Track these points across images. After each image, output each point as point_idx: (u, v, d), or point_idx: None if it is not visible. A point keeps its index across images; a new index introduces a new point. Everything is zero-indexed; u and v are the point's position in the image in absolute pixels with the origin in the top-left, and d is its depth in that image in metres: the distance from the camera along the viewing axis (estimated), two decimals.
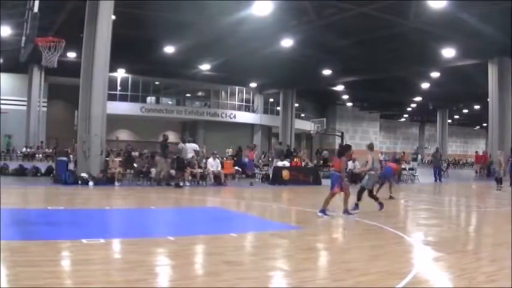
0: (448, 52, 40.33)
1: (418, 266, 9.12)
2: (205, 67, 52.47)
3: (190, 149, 28.38)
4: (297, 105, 67.97)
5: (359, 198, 17.68)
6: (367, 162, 18.12)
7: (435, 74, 50.97)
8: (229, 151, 44.33)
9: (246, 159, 36.71)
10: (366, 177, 17.97)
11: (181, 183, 26.46)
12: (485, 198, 26.57)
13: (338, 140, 57.50)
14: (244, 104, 69.86)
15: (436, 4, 29.69)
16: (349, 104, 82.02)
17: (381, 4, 31.03)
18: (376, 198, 17.88)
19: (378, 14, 32.37)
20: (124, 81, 60.11)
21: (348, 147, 17.49)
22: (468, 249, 11.51)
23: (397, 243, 11.63)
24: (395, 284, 7.67)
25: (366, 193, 17.30)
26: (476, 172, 50.14)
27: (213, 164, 28.74)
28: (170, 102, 66.95)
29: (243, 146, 44.73)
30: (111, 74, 38.73)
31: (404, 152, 52.60)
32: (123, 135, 63.14)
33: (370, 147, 19.47)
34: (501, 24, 32.58)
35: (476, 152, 62.74)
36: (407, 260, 9.78)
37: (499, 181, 29.74)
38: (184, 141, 28.33)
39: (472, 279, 8.18)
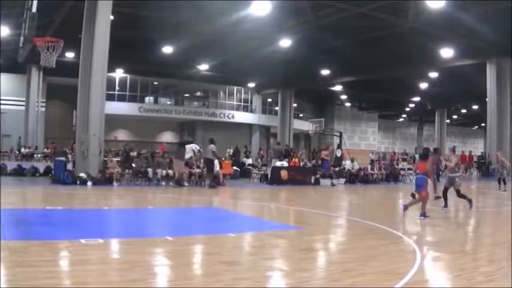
0: (447, 52, 40.39)
1: (417, 266, 9.10)
2: (203, 67, 52.55)
3: (189, 149, 28.46)
4: (295, 105, 67.97)
5: (444, 197, 19.01)
6: (455, 163, 19.46)
7: (433, 74, 51.04)
8: (230, 151, 44.48)
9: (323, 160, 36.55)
10: (456, 178, 19.08)
11: (213, 184, 27.00)
12: (484, 199, 26.58)
13: (336, 140, 57.37)
14: (242, 104, 69.92)
15: (434, 4, 29.72)
16: (348, 104, 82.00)
17: (379, 4, 31.06)
18: (464, 197, 18.86)
19: (376, 14, 32.43)
20: (122, 81, 60.14)
21: (428, 149, 18.17)
22: (467, 249, 11.51)
23: (395, 243, 11.63)
24: (394, 284, 7.67)
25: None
26: (462, 172, 50.34)
27: None
28: (168, 102, 67.01)
29: (240, 146, 44.85)
30: (110, 74, 38.70)
31: (394, 152, 52.71)
32: (122, 135, 63.09)
33: (453, 149, 20.66)
34: (499, 25, 32.62)
35: (463, 151, 63.10)
36: (406, 260, 9.75)
37: (503, 181, 29.51)
38: (212, 142, 28.46)
39: (470, 279, 8.19)
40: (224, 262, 9.00)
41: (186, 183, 26.97)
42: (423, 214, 15.80)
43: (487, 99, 44.30)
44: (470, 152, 55.06)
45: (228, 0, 31.27)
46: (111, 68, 33.68)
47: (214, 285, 7.54)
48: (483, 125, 74.60)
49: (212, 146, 28.36)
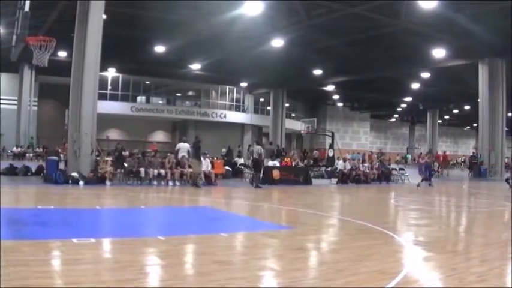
0: (439, 52, 40.48)
1: (409, 266, 9.14)
2: (195, 67, 52.61)
3: (183, 148, 28.46)
4: (287, 105, 68.09)
5: None
6: None
7: (426, 75, 51.18)
8: (224, 151, 44.69)
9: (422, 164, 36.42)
10: None
11: (259, 185, 27.77)
12: (476, 199, 26.67)
13: (328, 140, 57.60)
14: (234, 103, 69.96)
15: (426, 4, 29.79)
16: (340, 104, 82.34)
17: (372, 4, 31.12)
18: None
19: (368, 14, 32.50)
20: (114, 81, 60.12)
21: None
22: (459, 249, 11.55)
23: (387, 243, 11.65)
24: (386, 284, 7.68)
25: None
26: (437, 171, 50.57)
27: (204, 164, 28.75)
28: (160, 102, 67.05)
29: (233, 146, 44.90)
30: (102, 73, 38.68)
31: (372, 152, 52.87)
32: (114, 134, 63.08)
33: None
34: (492, 25, 32.73)
35: (437, 152, 63.50)
36: (398, 260, 9.79)
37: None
38: (258, 144, 29.21)
39: (462, 279, 8.20)
40: (216, 262, 9.00)
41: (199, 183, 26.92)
42: None
43: (478, 100, 44.45)
44: (444, 152, 55.37)
45: (221, 0, 31.33)
46: (103, 67, 33.73)
47: (207, 285, 7.54)
48: (475, 125, 74.87)
49: (259, 147, 28.82)
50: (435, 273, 8.96)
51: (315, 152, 52.35)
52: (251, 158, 38.54)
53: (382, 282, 7.85)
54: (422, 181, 32.23)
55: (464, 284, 7.97)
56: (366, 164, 35.48)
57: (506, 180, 30.58)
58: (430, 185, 32.12)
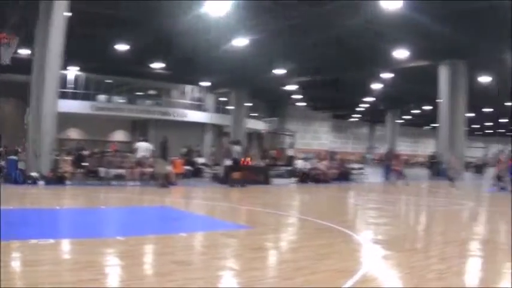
0: (401, 53, 40.68)
1: (367, 265, 9.20)
2: (157, 65, 52.30)
3: (141, 148, 28.41)
4: (249, 104, 68.03)
5: None
6: None
7: (387, 75, 51.38)
8: (184, 150, 44.67)
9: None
10: None
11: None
12: (435, 197, 26.92)
13: (288, 140, 57.66)
14: (195, 102, 69.69)
15: (390, 5, 29.92)
16: (302, 104, 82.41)
17: (335, 4, 31.23)
18: None
19: (331, 14, 32.57)
20: (75, 79, 59.54)
21: None
22: (417, 248, 11.63)
23: (346, 241, 11.72)
24: (344, 283, 7.73)
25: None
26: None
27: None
28: (121, 101, 66.49)
29: (193, 146, 44.90)
30: (63, 72, 38.28)
31: (326, 151, 53.12)
32: (74, 133, 62.59)
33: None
34: (454, 27, 33.01)
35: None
36: (356, 259, 9.86)
37: (451, 179, 30.89)
38: (238, 144, 29.84)
39: (421, 277, 8.29)
40: (176, 262, 8.99)
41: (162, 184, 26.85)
42: None
43: (437, 100, 44.83)
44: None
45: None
46: (64, 66, 33.42)
47: (166, 285, 7.53)
48: (435, 125, 75.50)
49: (238, 147, 28.87)
50: (394, 271, 9.05)
51: (271, 151, 52.54)
52: (212, 157, 38.62)
53: (341, 280, 7.89)
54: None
55: (423, 282, 8.05)
56: (324, 162, 35.55)
57: (449, 178, 31.32)
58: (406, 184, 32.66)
